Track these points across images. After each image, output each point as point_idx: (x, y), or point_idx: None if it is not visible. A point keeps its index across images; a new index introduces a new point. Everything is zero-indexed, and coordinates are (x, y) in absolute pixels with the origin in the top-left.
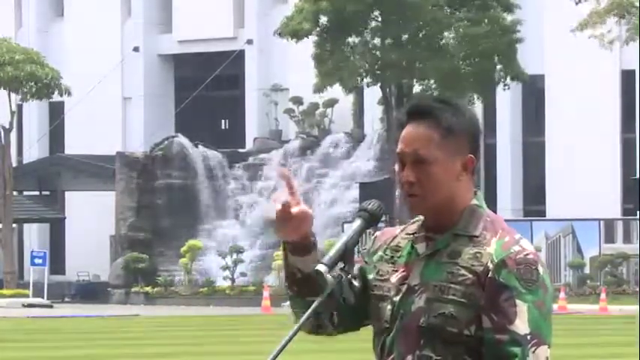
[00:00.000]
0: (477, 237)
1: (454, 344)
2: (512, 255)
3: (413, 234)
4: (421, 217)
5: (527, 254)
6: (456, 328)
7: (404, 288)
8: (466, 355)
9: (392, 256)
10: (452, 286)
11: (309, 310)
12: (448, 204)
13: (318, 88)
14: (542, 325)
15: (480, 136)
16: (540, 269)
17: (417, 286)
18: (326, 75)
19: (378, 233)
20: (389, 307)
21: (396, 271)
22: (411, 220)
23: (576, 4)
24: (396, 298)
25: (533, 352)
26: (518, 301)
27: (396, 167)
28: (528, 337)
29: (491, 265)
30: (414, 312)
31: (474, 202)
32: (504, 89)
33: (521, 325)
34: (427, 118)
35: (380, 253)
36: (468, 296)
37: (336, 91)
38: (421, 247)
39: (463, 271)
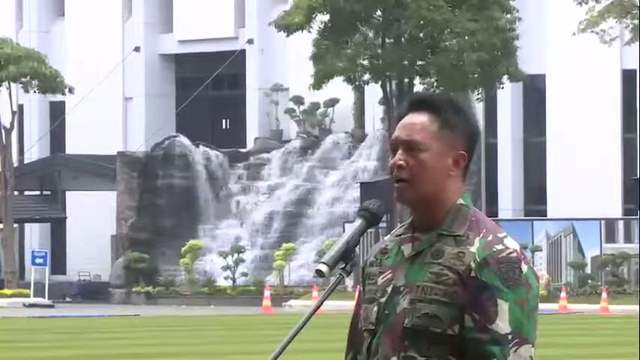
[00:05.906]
0: (461, 236)
1: (438, 344)
2: (494, 254)
3: (400, 235)
4: (408, 220)
5: (510, 253)
6: (439, 328)
7: (389, 289)
8: (450, 355)
9: (380, 259)
10: (435, 286)
11: (312, 310)
12: (435, 199)
13: (314, 86)
14: (525, 324)
15: (477, 138)
16: (524, 267)
17: (402, 287)
18: (323, 73)
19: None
20: (375, 308)
21: (383, 272)
22: (400, 224)
23: (579, 4)
24: (382, 300)
25: (515, 351)
26: (499, 300)
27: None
28: (509, 336)
29: (473, 265)
30: (399, 313)
31: (461, 201)
32: (500, 88)
33: (501, 325)
34: (428, 109)
35: (371, 259)
36: (450, 295)
37: (336, 90)
38: (407, 248)
39: (446, 271)
